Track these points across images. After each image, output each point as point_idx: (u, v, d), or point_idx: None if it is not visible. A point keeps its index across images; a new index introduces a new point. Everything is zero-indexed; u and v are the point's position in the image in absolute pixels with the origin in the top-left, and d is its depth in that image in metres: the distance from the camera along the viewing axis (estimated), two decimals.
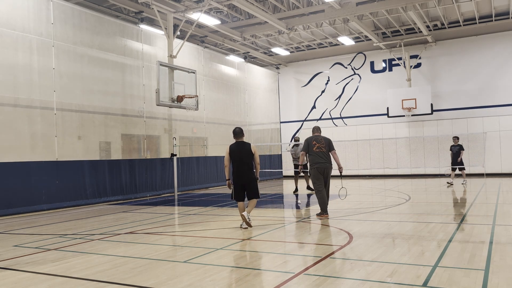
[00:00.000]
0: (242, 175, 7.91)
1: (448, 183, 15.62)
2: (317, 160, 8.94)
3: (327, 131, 23.03)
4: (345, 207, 10.65)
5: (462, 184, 15.57)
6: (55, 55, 12.13)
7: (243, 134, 8.17)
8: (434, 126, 20.94)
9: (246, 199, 8.13)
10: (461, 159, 15.69)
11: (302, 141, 15.10)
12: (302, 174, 14.73)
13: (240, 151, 7.93)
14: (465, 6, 18.00)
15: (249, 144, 8.03)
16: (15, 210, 10.86)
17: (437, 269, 4.83)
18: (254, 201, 8.02)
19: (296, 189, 14.99)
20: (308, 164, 9.53)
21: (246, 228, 7.82)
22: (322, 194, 8.96)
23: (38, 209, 11.37)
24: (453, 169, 15.83)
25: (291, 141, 24.49)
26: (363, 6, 16.60)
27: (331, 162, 9.08)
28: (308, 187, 14.74)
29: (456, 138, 15.89)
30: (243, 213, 7.76)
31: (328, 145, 9.11)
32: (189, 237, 7.39)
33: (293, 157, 15.41)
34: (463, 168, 15.81)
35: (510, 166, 19.44)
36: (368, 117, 22.49)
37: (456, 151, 15.66)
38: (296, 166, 14.84)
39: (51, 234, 8.15)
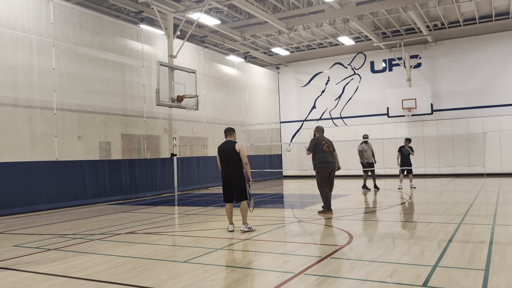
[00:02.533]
0: (226, 174, 7.73)
1: (399, 188, 15.14)
2: (326, 159, 9.36)
3: (327, 131, 22.95)
4: (345, 207, 10.66)
5: (413, 188, 14.94)
6: (55, 55, 12.13)
7: (232, 133, 8.02)
8: (434, 126, 20.95)
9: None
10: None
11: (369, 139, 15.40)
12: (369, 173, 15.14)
13: (225, 150, 7.82)
14: (465, 6, 17.99)
15: (234, 143, 7.81)
16: (15, 210, 10.86)
17: (437, 269, 4.83)
18: (244, 205, 7.63)
19: (364, 185, 15.15)
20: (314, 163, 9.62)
21: (232, 231, 7.63)
22: (327, 192, 9.35)
23: (38, 209, 11.37)
24: (402, 171, 15.24)
25: (291, 141, 24.51)
26: (363, 6, 16.59)
27: (335, 161, 9.57)
28: (375, 186, 15.04)
29: (407, 140, 15.37)
30: (241, 228, 7.57)
31: (332, 146, 9.62)
32: (189, 237, 7.39)
33: (361, 155, 15.03)
34: (411, 171, 15.22)
35: (510, 166, 19.43)
36: (368, 117, 22.49)
37: (407, 153, 15.11)
38: (363, 165, 15.07)
39: (51, 234, 8.15)
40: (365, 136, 15.41)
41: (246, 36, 19.79)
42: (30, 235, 8.13)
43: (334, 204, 10.91)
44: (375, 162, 15.30)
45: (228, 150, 7.79)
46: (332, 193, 9.59)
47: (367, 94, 22.60)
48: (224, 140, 8.07)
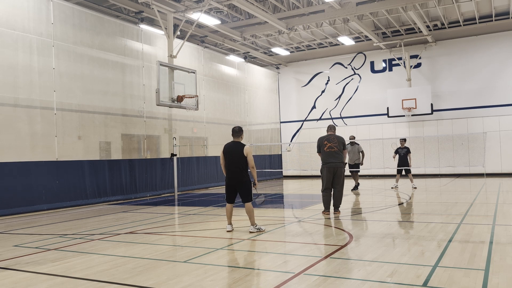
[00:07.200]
0: (231, 177, 7.57)
1: (392, 187, 15.20)
2: (326, 160, 9.34)
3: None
4: (345, 207, 10.65)
5: (414, 188, 14.94)
6: (55, 55, 12.13)
7: (240, 134, 7.73)
8: (434, 126, 20.94)
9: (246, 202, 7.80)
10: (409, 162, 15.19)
11: (356, 139, 15.27)
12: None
13: (232, 152, 7.57)
14: (465, 6, 18.00)
15: (242, 145, 7.56)
16: (15, 210, 10.86)
17: (437, 269, 4.83)
18: (249, 207, 7.54)
19: (358, 184, 15.15)
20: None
21: (230, 231, 7.62)
22: (326, 193, 9.38)
23: (38, 209, 11.37)
24: (399, 172, 15.22)
25: (291, 141, 24.51)
26: (363, 6, 16.59)
27: (342, 161, 9.41)
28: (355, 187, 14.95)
29: (403, 140, 15.33)
30: (249, 229, 7.51)
31: (341, 144, 9.43)
32: (189, 237, 7.39)
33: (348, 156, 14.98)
34: (410, 171, 15.18)
35: (510, 166, 19.43)
36: (368, 117, 22.49)
37: (404, 153, 15.09)
38: (349, 165, 14.88)
39: (51, 234, 8.15)
40: (351, 137, 15.42)
41: (246, 36, 19.79)
42: (30, 235, 8.13)
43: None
44: (362, 164, 14.98)
45: (235, 153, 7.54)
46: (339, 192, 9.37)
47: (367, 94, 22.60)
48: (231, 139, 7.81)
